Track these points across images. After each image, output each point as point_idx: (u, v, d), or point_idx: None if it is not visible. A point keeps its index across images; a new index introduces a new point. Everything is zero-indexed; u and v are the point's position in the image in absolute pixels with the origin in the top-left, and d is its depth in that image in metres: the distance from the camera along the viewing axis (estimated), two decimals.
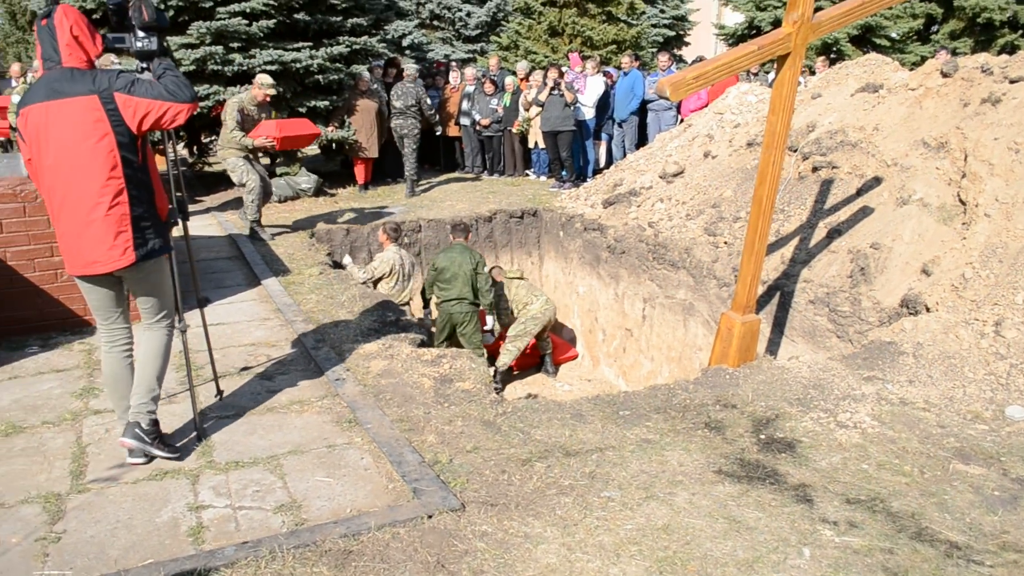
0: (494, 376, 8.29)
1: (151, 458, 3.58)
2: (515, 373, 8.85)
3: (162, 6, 8.81)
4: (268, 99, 7.94)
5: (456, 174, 12.67)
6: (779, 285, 6.59)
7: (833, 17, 4.21)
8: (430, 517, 3.11)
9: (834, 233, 6.54)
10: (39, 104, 3.17)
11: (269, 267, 6.84)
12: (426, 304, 8.00)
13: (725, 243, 7.44)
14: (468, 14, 24.53)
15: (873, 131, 7.03)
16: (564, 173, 11.05)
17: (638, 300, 8.23)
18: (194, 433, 3.79)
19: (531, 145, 11.93)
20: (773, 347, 6.50)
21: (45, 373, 4.63)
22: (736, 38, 16.74)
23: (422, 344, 5.24)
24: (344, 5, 10.25)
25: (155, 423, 3.59)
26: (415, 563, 2.86)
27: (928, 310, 5.32)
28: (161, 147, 8.74)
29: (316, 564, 2.83)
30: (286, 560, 2.84)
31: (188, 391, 3.82)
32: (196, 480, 3.47)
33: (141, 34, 3.38)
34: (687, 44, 24.37)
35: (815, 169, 7.32)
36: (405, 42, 22.52)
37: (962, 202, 5.91)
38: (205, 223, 8.84)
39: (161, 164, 8.50)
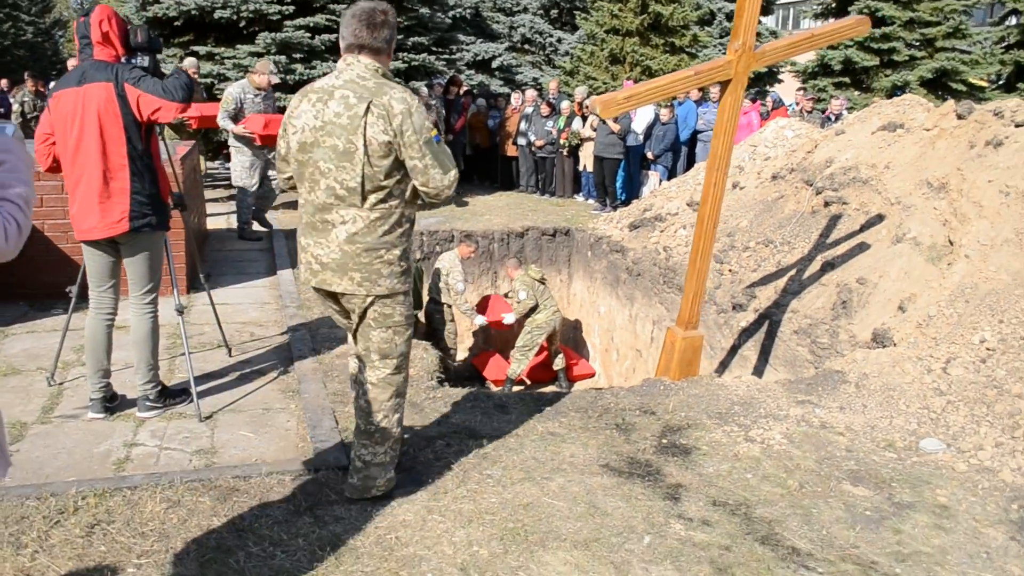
0: (508, 383, 8.62)
1: (112, 412, 4.06)
2: (529, 385, 9.13)
3: (235, 17, 9.63)
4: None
5: (509, 192, 13.10)
6: (769, 314, 6.68)
7: (777, 48, 4.40)
8: (317, 471, 3.48)
9: (827, 267, 6.60)
10: (71, 88, 3.68)
11: (291, 260, 7.39)
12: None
13: (730, 271, 7.56)
14: (559, 40, 25.09)
15: (884, 169, 7.05)
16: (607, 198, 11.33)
17: (648, 322, 8.40)
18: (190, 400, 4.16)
19: (581, 168, 12.25)
20: (757, 375, 6.58)
21: (58, 331, 5.23)
22: (807, 75, 16.65)
23: None
24: (407, 23, 10.88)
25: (160, 391, 4.09)
26: (288, 505, 3.23)
27: (895, 345, 5.36)
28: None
29: (202, 495, 3.24)
30: (178, 489, 3.26)
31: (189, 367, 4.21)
32: (141, 424, 3.95)
33: (139, 55, 3.89)
34: (780, 81, 24.10)
35: (827, 204, 7.37)
36: (495, 63, 23.18)
37: (951, 243, 5.90)
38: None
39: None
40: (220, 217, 9.46)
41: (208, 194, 10.23)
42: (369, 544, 3.02)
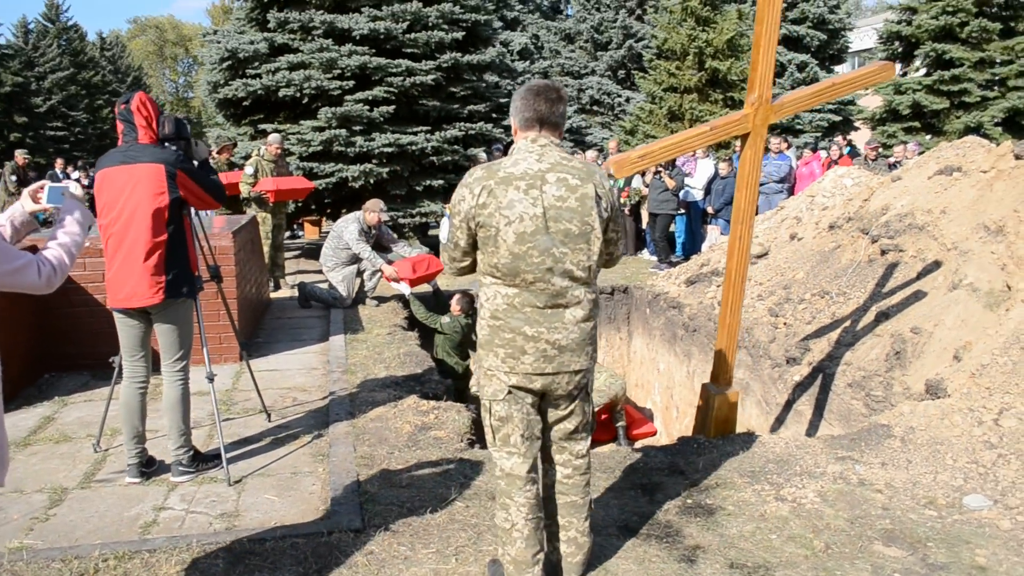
0: None
1: (148, 477, 4.25)
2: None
3: (298, 94, 10.16)
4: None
5: None
6: (823, 367, 6.47)
7: (797, 99, 4.35)
8: (329, 533, 3.53)
9: (882, 317, 6.37)
10: (117, 167, 3.98)
11: (345, 326, 7.60)
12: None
13: (785, 324, 7.37)
14: (627, 99, 25.31)
15: (940, 214, 6.81)
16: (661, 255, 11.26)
17: (706, 378, 8.20)
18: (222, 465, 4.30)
19: (645, 225, 12.24)
20: (812, 430, 6.35)
21: (114, 399, 5.51)
22: (875, 121, 16.28)
23: (434, 397, 5.69)
24: (463, 93, 11.24)
25: (193, 456, 4.27)
26: (298, 567, 3.29)
27: (949, 396, 5.10)
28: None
29: (216, 557, 3.33)
30: (194, 552, 3.37)
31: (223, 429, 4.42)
32: (174, 488, 4.11)
33: (167, 144, 4.15)
34: (856, 129, 23.55)
35: (883, 252, 7.15)
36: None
37: (1009, 287, 5.63)
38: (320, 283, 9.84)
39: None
40: (284, 286, 9.80)
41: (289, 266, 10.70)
42: None
